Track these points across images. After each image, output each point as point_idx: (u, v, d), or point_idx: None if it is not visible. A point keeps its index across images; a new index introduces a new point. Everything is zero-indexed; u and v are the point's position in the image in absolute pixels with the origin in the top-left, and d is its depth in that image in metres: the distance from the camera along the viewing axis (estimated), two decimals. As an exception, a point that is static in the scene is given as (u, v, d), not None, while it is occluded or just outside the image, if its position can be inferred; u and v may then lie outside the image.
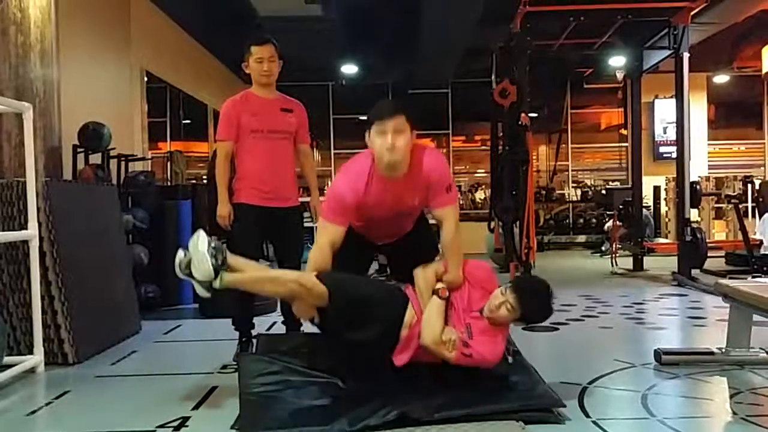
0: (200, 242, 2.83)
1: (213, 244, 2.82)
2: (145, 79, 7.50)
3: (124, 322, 4.58)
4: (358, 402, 2.68)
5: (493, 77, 8.25)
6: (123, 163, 5.97)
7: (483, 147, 13.60)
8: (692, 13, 7.30)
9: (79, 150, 5.36)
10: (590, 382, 3.23)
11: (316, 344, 3.08)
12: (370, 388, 2.79)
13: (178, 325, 5.06)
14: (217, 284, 2.83)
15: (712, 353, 3.59)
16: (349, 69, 11.62)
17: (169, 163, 7.41)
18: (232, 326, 3.90)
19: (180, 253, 2.87)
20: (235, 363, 3.43)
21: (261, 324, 4.95)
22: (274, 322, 5.06)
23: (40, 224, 3.72)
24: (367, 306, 2.84)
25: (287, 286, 2.81)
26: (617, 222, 8.88)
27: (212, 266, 2.78)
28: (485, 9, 8.01)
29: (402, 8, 7.78)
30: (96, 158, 5.57)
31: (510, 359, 3.03)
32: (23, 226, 3.70)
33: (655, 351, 3.62)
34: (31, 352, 3.65)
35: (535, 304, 2.93)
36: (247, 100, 3.81)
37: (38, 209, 3.72)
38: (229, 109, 3.78)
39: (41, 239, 3.75)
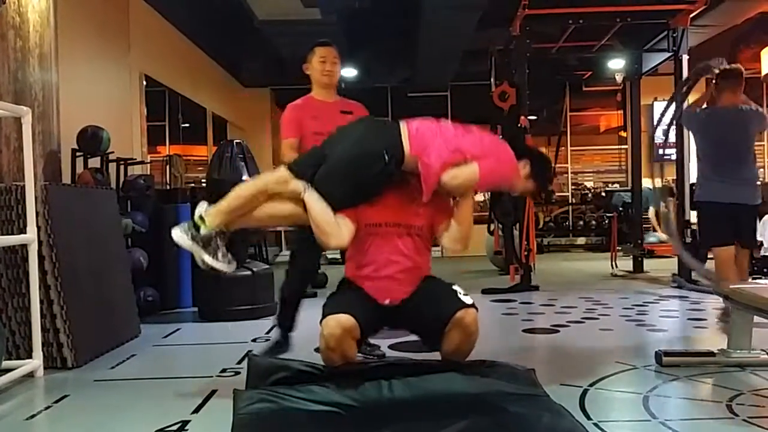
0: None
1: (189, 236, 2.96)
2: (144, 82, 7.50)
3: (123, 325, 4.57)
4: (361, 427, 2.61)
5: (492, 80, 8.26)
6: (122, 167, 5.97)
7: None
8: (691, 15, 7.31)
9: (78, 154, 5.35)
10: (591, 384, 3.22)
11: (313, 375, 2.96)
12: (373, 415, 2.70)
13: (177, 329, 5.05)
14: (203, 228, 2.95)
15: (713, 354, 3.58)
16: (348, 72, 11.62)
17: (168, 167, 7.40)
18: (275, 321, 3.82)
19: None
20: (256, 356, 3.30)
21: (260, 326, 4.95)
22: (273, 326, 5.05)
23: (38, 228, 3.71)
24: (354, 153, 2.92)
25: (266, 188, 2.92)
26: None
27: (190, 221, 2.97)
28: (484, 12, 8.01)
29: (401, 11, 7.78)
30: (95, 162, 5.57)
31: None
32: (22, 230, 3.69)
33: (656, 353, 3.61)
34: (29, 357, 3.64)
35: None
36: (308, 104, 3.86)
37: (37, 213, 3.71)
38: (290, 113, 3.82)
39: (40, 243, 3.73)
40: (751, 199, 4.65)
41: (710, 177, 4.73)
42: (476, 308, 2.93)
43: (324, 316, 2.83)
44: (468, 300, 2.94)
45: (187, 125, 9.56)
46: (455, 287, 3.02)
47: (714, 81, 4.77)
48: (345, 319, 2.77)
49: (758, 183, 4.72)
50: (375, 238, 2.98)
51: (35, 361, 3.61)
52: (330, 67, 3.81)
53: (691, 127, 5.00)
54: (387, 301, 2.96)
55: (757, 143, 13.24)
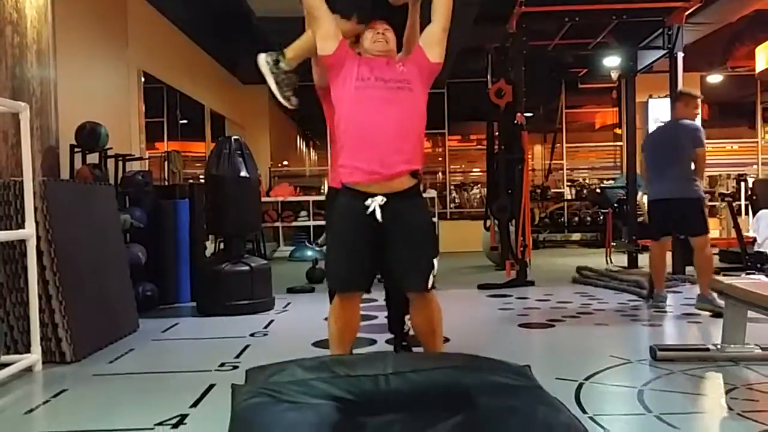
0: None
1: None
2: (143, 79, 7.50)
3: (122, 320, 4.59)
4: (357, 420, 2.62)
5: (488, 77, 8.29)
6: (120, 163, 5.98)
7: (479, 146, 13.68)
8: (686, 13, 7.34)
9: (76, 150, 5.36)
10: (586, 379, 3.25)
11: (311, 370, 2.97)
12: (370, 409, 2.71)
13: (176, 324, 5.07)
14: (283, 62, 3.10)
15: (707, 349, 3.62)
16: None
17: (166, 163, 7.42)
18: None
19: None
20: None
21: (258, 321, 4.98)
22: (272, 320, 5.09)
23: (37, 223, 3.73)
24: None
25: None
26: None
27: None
28: (481, 9, 8.03)
29: (398, 7, 7.78)
30: (93, 158, 5.58)
31: None
32: (20, 226, 3.70)
33: (650, 347, 3.65)
34: (28, 351, 3.66)
35: None
36: None
37: (35, 209, 3.72)
38: None
39: (38, 238, 3.75)
40: (676, 192, 5.13)
41: (649, 179, 5.49)
42: (430, 288, 2.93)
43: (329, 280, 3.03)
44: (431, 281, 2.94)
45: (185, 121, 9.57)
46: (435, 260, 2.99)
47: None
48: (348, 300, 2.92)
49: (690, 179, 5.11)
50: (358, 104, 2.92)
51: (34, 356, 3.63)
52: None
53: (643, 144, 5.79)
54: (374, 200, 2.84)
55: (745, 140, 13.25)
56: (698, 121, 5.63)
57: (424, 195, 3.47)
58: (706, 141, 5.24)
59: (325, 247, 8.44)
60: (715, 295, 5.08)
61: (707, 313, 4.93)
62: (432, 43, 2.99)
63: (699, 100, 5.45)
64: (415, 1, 3.11)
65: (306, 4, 2.95)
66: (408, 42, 3.17)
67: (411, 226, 2.92)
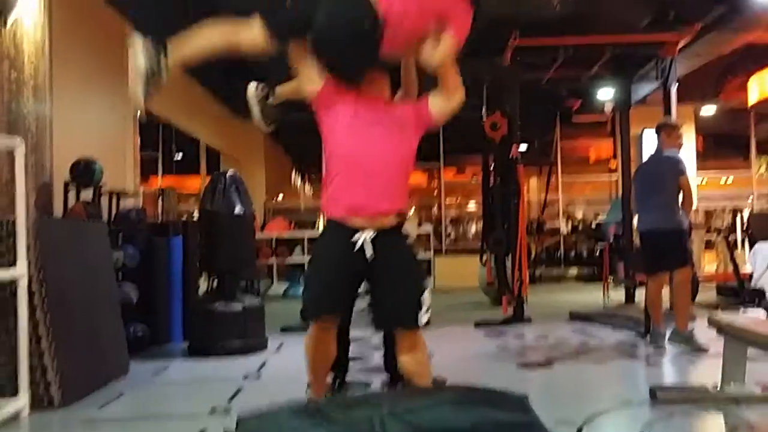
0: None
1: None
2: (138, 114, 7.50)
3: (112, 363, 4.50)
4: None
5: (483, 110, 8.32)
6: (114, 200, 5.94)
7: (474, 179, 13.68)
8: (679, 46, 7.41)
9: (70, 186, 5.32)
10: (586, 421, 3.19)
11: (303, 413, 2.92)
12: None
13: (167, 366, 4.97)
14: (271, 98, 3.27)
15: (707, 390, 3.56)
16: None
17: (160, 199, 7.39)
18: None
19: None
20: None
21: (252, 362, 4.89)
22: (265, 362, 5.00)
23: (29, 262, 3.67)
24: None
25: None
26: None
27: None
28: (475, 42, 8.07)
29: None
30: (87, 194, 5.54)
31: None
32: (12, 264, 3.64)
33: (650, 388, 3.59)
34: (15, 395, 3.57)
35: None
36: None
37: (28, 247, 3.67)
38: None
39: (30, 278, 3.68)
40: (657, 223, 5.16)
41: (637, 210, 5.57)
42: (417, 326, 2.87)
43: (303, 307, 2.92)
44: (423, 318, 2.89)
45: (180, 156, 9.57)
46: (422, 297, 2.93)
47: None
48: (323, 329, 2.84)
49: (673, 210, 5.13)
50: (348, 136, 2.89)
51: (21, 401, 3.53)
52: None
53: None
54: (362, 234, 2.79)
55: (739, 172, 13.23)
56: (692, 150, 5.71)
57: (420, 228, 3.49)
58: (699, 173, 5.29)
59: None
60: (692, 329, 5.08)
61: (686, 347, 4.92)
62: (442, 112, 3.00)
63: (680, 129, 5.50)
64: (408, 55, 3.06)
65: (291, 57, 2.95)
66: (405, 85, 3.16)
67: (397, 262, 2.90)
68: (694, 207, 5.48)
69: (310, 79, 2.89)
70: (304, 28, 2.77)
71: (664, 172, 5.20)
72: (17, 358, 3.58)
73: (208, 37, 2.99)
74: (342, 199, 2.86)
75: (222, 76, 9.73)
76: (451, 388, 2.96)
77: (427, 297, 2.93)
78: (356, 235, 2.78)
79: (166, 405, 3.92)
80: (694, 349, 4.90)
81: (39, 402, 3.66)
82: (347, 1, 2.80)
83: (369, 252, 2.76)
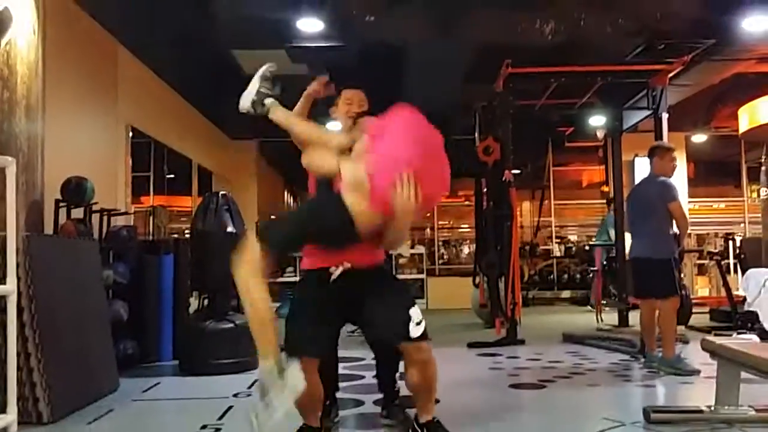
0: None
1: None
2: (130, 134, 7.51)
3: (102, 379, 4.46)
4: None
5: (476, 134, 8.37)
6: (105, 218, 5.92)
7: (467, 202, 13.71)
8: (670, 75, 7.49)
9: (61, 204, 5.31)
10: (580, 442, 3.17)
11: None
12: None
13: (157, 383, 4.92)
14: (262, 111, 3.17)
15: (701, 411, 3.55)
16: (335, 126, 11.72)
17: (151, 218, 7.36)
18: None
19: None
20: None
21: (243, 381, 4.85)
22: (256, 380, 4.95)
23: (19, 279, 3.64)
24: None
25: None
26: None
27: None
28: (469, 69, 8.18)
29: (387, 68, 7.92)
30: (78, 212, 5.52)
31: None
32: (1, 281, 3.62)
33: (644, 409, 3.58)
34: (3, 411, 3.52)
35: None
36: None
37: (18, 264, 3.64)
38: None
39: (19, 294, 3.66)
40: (644, 251, 5.20)
41: (630, 235, 5.53)
42: (427, 338, 2.90)
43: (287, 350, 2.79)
44: (417, 330, 2.88)
45: (172, 176, 9.55)
46: (411, 310, 2.92)
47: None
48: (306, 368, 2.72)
49: (662, 238, 5.10)
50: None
51: (9, 416, 3.47)
52: (357, 108, 3.66)
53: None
54: (338, 268, 2.87)
55: (731, 199, 13.36)
56: (684, 179, 5.70)
57: (412, 251, 3.49)
58: (690, 200, 5.29)
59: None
60: (679, 353, 5.08)
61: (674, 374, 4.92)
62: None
63: (673, 152, 5.41)
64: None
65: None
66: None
67: (380, 282, 3.00)
68: (687, 231, 5.44)
69: (309, 156, 3.01)
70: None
71: (654, 198, 5.17)
72: (5, 373, 3.54)
73: (304, 127, 3.16)
74: (317, 255, 2.98)
75: (214, 96, 9.80)
76: None
77: (417, 310, 2.93)
78: (332, 269, 2.86)
79: (156, 422, 3.87)
80: (684, 372, 4.90)
81: (27, 418, 3.64)
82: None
83: (337, 275, 2.86)
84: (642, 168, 12.10)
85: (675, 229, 5.20)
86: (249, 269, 2.69)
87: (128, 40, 7.26)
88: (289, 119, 3.16)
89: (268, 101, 3.14)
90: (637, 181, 11.22)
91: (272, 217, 3.02)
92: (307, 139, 3.08)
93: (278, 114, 3.13)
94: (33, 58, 4.43)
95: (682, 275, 5.70)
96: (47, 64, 4.63)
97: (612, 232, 10.70)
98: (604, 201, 11.54)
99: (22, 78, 4.31)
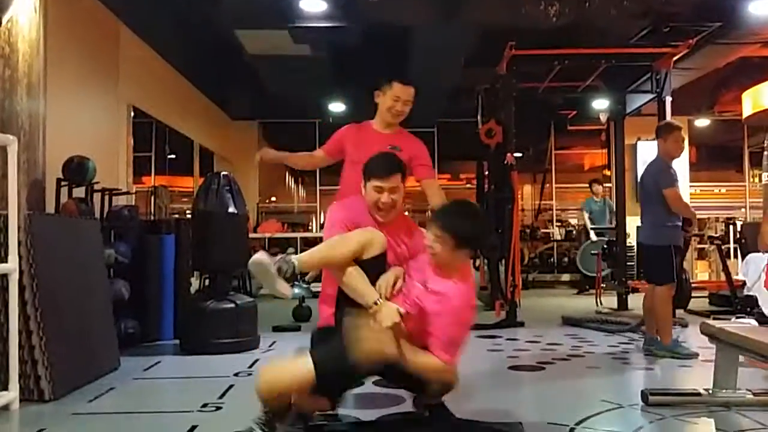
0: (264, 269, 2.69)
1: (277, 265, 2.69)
2: (132, 113, 7.50)
3: (103, 358, 4.49)
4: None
5: (479, 117, 8.34)
6: (107, 197, 5.93)
7: (469, 185, 13.71)
8: (674, 58, 7.45)
9: (63, 183, 5.31)
10: (578, 423, 3.19)
11: None
12: None
13: (158, 362, 4.95)
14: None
15: (699, 394, 3.57)
16: (337, 107, 11.71)
17: (153, 198, 7.37)
18: None
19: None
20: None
21: (243, 360, 4.88)
22: (257, 360, 4.99)
23: (20, 257, 3.66)
24: None
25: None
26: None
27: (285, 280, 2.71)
28: (471, 51, 8.13)
29: (389, 50, 7.88)
30: (80, 192, 5.53)
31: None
32: (3, 260, 3.64)
33: (642, 391, 3.59)
34: (5, 389, 3.55)
35: (460, 223, 2.76)
36: (360, 130, 3.75)
37: (19, 243, 3.66)
38: (340, 131, 3.81)
39: (21, 273, 3.68)
40: (645, 238, 5.27)
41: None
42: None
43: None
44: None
45: (173, 156, 9.56)
46: None
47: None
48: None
49: (661, 224, 5.08)
50: None
51: (11, 393, 3.52)
52: (401, 108, 3.61)
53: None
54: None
55: (732, 183, 13.33)
56: (686, 163, 5.64)
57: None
58: (692, 184, 5.26)
59: (312, 285, 8.32)
60: (676, 337, 5.10)
61: (671, 358, 4.93)
62: None
63: (678, 131, 5.23)
64: None
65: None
66: None
67: None
68: (691, 216, 5.34)
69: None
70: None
71: (649, 184, 5.16)
72: (7, 351, 3.57)
73: (338, 253, 2.80)
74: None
75: (216, 77, 9.77)
76: (450, 423, 2.96)
77: None
78: None
79: (157, 400, 3.90)
80: (682, 356, 4.92)
81: (29, 395, 3.66)
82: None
83: None
84: (644, 152, 12.13)
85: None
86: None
87: (130, 19, 7.23)
88: (318, 254, 2.85)
89: (290, 260, 2.74)
90: (639, 164, 11.32)
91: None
92: (347, 258, 2.78)
93: (306, 259, 2.82)
94: (34, 36, 4.41)
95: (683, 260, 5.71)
96: (49, 43, 4.61)
97: (586, 215, 10.86)
98: (607, 184, 11.54)
99: (23, 56, 4.29)
